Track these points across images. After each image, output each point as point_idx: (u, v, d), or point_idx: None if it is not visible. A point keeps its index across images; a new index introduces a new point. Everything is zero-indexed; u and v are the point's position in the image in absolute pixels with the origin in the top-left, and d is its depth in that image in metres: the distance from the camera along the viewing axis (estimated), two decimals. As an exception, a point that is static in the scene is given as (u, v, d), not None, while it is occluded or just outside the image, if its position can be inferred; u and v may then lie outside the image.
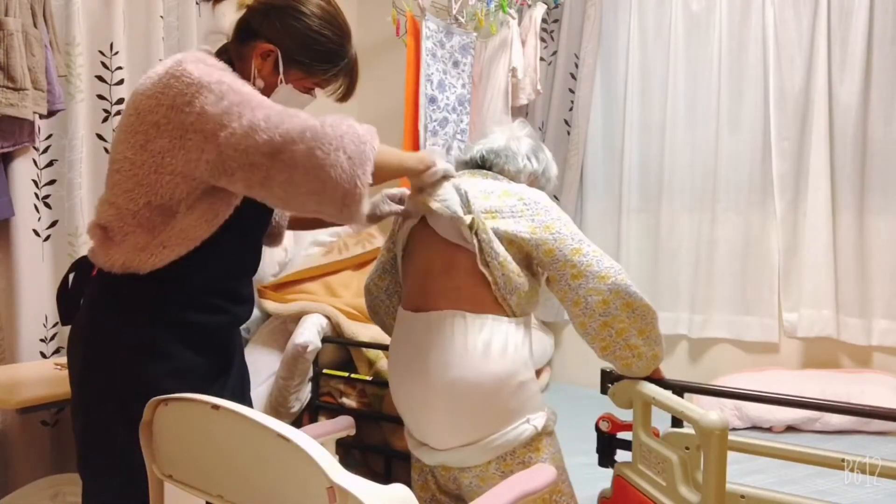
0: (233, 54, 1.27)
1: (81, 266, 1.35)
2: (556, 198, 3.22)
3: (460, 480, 1.48)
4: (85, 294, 1.31)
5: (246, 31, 1.25)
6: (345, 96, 1.33)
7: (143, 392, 1.08)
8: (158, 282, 1.20)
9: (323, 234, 2.73)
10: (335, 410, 2.30)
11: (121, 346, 1.22)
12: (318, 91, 1.33)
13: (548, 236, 1.44)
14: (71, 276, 1.37)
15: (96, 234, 1.24)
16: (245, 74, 1.25)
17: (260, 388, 2.32)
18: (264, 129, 1.07)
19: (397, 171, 1.27)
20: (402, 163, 1.29)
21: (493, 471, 1.43)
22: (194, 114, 1.10)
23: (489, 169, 1.62)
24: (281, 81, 1.25)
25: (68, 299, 1.36)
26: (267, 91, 1.25)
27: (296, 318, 2.38)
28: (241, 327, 1.43)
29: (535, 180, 1.64)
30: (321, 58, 1.25)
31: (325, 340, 2.32)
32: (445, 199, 1.39)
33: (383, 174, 1.16)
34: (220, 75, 1.13)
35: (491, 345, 1.42)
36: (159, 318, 1.23)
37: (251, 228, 1.33)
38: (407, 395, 1.50)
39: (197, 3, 2.56)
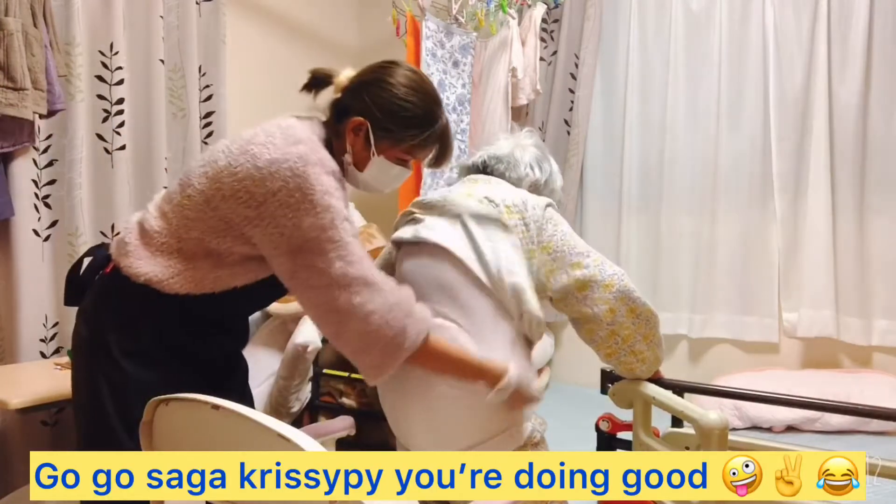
0: (331, 132, 1.31)
1: (98, 255, 1.36)
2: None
3: None
4: (95, 287, 1.31)
5: (341, 110, 1.30)
6: (437, 162, 1.35)
7: (142, 397, 1.09)
8: (171, 302, 1.22)
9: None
10: (335, 410, 2.30)
11: (123, 352, 1.23)
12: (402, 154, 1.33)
13: (546, 257, 1.43)
14: (86, 262, 1.38)
15: (132, 235, 1.25)
16: (342, 151, 1.30)
17: (260, 388, 2.32)
18: (343, 287, 1.15)
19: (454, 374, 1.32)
20: (462, 371, 1.31)
21: None
22: (291, 223, 1.14)
23: (490, 174, 1.61)
24: (373, 154, 1.28)
25: (77, 284, 1.37)
26: (361, 165, 1.30)
27: (296, 318, 2.38)
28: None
29: (536, 189, 1.64)
30: (408, 124, 1.28)
31: (325, 340, 2.32)
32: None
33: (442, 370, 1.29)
34: (337, 201, 1.18)
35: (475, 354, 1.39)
36: (163, 334, 1.25)
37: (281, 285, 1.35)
38: (389, 397, 1.50)
39: (197, 3, 2.56)
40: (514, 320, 1.42)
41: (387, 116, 1.26)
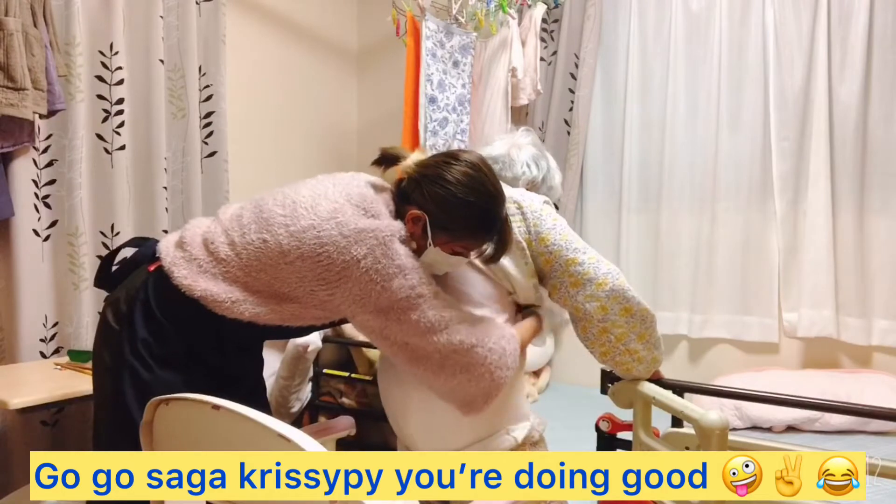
0: (397, 209, 1.33)
1: (144, 249, 1.38)
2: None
3: None
4: (133, 281, 1.32)
5: (402, 196, 1.33)
6: (493, 258, 1.35)
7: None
8: (212, 321, 1.25)
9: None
10: (335, 410, 2.30)
11: (150, 353, 1.26)
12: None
13: (543, 249, 1.46)
14: (129, 252, 1.41)
15: (196, 250, 1.28)
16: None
17: (260, 388, 2.32)
18: (441, 331, 1.24)
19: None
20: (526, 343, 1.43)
21: None
22: (380, 286, 1.21)
23: None
24: (429, 244, 1.30)
25: (112, 270, 1.40)
26: (418, 252, 1.31)
27: (296, 318, 2.38)
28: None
29: (533, 187, 1.66)
30: (465, 223, 1.30)
31: (325, 340, 2.33)
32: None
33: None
34: (418, 263, 1.26)
35: None
36: (193, 346, 1.28)
37: (317, 326, 1.39)
38: (389, 396, 1.50)
39: (197, 3, 2.56)
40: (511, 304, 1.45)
41: (443, 214, 1.28)
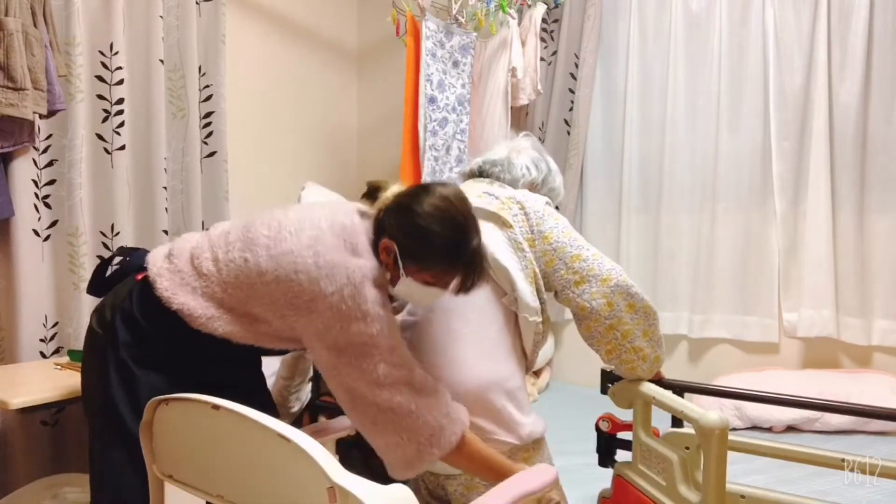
0: (375, 239, 1.33)
1: (134, 259, 1.40)
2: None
3: (446, 487, 1.48)
4: (121, 289, 1.34)
5: (378, 227, 1.33)
6: (462, 288, 1.32)
7: (151, 393, 1.12)
8: (190, 334, 1.26)
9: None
10: (335, 410, 2.30)
11: (132, 357, 1.27)
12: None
13: (546, 247, 1.48)
14: (119, 260, 1.43)
15: (183, 262, 1.29)
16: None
17: (260, 388, 2.32)
18: (386, 386, 1.21)
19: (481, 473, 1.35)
20: (491, 475, 1.31)
21: (478, 480, 1.43)
22: (339, 325, 1.20)
23: (487, 178, 1.68)
24: (401, 275, 1.29)
25: (104, 278, 1.42)
26: (392, 281, 1.31)
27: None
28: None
29: (533, 188, 1.70)
30: (433, 252, 1.29)
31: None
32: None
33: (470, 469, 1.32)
34: (385, 311, 1.24)
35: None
36: (175, 357, 1.29)
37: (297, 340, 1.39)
38: None
39: (197, 3, 2.56)
40: (510, 319, 1.44)
41: (411, 242, 1.28)
